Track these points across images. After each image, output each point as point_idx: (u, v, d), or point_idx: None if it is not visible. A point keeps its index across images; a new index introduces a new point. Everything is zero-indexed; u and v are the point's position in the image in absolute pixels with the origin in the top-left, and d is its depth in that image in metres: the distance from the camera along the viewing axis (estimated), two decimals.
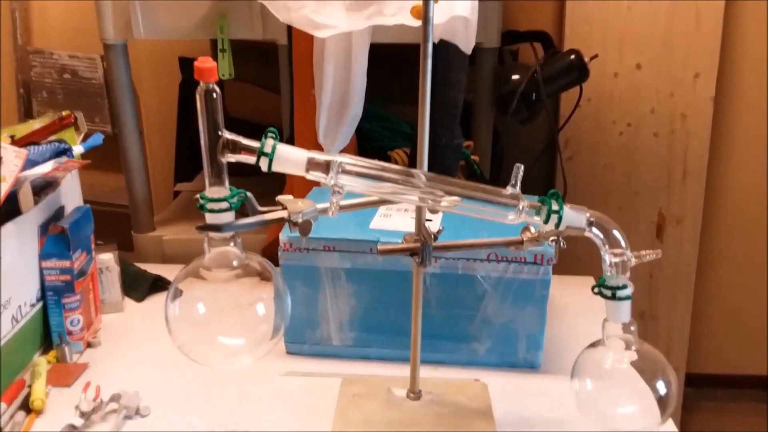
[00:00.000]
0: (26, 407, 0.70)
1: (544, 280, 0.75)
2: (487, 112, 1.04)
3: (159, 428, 0.69)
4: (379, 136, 1.07)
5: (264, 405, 0.73)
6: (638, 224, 1.42)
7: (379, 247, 0.65)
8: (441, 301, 0.77)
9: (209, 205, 0.51)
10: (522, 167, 0.54)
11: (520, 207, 0.54)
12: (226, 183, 0.52)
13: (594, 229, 0.56)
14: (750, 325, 1.54)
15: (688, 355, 1.49)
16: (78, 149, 0.83)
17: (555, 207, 0.54)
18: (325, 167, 0.51)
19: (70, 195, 0.85)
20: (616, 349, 0.60)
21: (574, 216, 0.55)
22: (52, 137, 0.81)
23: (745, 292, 1.52)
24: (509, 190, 0.54)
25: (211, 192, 0.52)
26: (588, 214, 0.55)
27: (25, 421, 0.68)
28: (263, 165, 0.50)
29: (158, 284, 0.97)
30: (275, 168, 0.51)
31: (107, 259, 0.88)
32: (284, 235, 0.78)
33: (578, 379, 0.62)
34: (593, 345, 0.62)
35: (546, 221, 0.54)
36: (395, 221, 0.82)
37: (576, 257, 0.96)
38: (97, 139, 0.86)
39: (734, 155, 1.46)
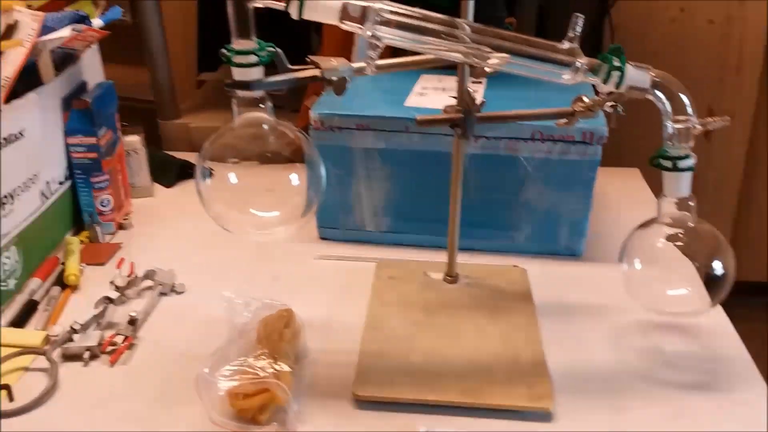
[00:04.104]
0: (61, 283, 0.70)
1: (592, 161, 0.70)
2: None
3: (194, 303, 0.68)
4: None
5: (299, 284, 0.72)
6: None
7: (418, 117, 0.61)
8: (480, 185, 0.74)
9: (236, 59, 0.47)
10: (582, 17, 0.48)
11: (578, 64, 0.48)
12: (254, 35, 0.48)
13: (657, 92, 0.50)
14: None
15: None
16: (97, 22, 0.79)
17: (616, 63, 0.48)
18: (362, 15, 0.46)
19: (92, 70, 0.82)
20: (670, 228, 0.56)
21: (637, 75, 0.49)
22: (69, 8, 0.77)
23: None
24: (566, 44, 0.48)
25: (239, 44, 0.47)
26: (653, 74, 0.50)
27: (61, 296, 0.68)
28: (293, 10, 0.45)
29: (186, 171, 0.95)
30: (306, 14, 0.46)
31: (134, 141, 0.86)
32: (315, 112, 0.74)
33: (628, 259, 0.58)
34: (645, 224, 0.58)
35: (605, 80, 0.49)
36: (432, 99, 0.77)
37: (617, 153, 0.90)
38: (116, 12, 0.81)
39: None
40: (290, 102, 1.02)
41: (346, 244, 0.79)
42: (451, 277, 0.69)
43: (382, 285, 0.70)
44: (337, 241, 0.80)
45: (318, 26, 1.07)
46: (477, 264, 0.74)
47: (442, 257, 0.70)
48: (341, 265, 0.75)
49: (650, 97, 0.50)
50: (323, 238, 0.81)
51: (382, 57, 0.50)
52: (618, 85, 0.49)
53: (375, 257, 0.76)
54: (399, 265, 0.74)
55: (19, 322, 0.65)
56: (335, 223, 0.80)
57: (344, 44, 0.94)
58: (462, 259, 0.70)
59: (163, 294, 0.69)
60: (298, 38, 1.10)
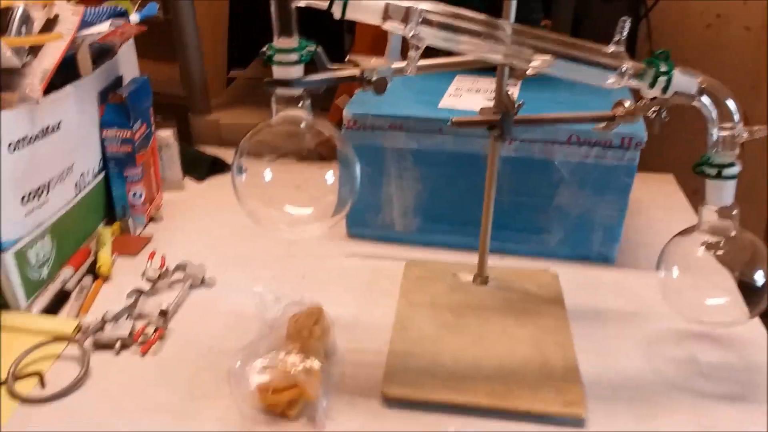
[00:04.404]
0: (93, 273, 0.71)
1: (629, 166, 0.69)
2: None
3: (224, 297, 0.68)
4: None
5: (327, 282, 0.72)
6: None
7: (454, 119, 0.60)
8: (512, 188, 0.73)
9: (277, 57, 0.47)
10: (629, 20, 0.47)
11: (623, 68, 0.47)
12: (296, 34, 0.48)
13: (704, 98, 0.49)
14: None
15: None
16: (134, 18, 0.79)
17: (663, 68, 0.47)
18: (404, 15, 0.46)
19: (128, 65, 0.82)
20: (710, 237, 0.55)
21: (684, 80, 0.48)
22: (108, 3, 0.78)
23: None
24: (612, 47, 0.47)
25: (280, 43, 0.47)
26: (699, 80, 0.49)
27: (93, 286, 0.69)
28: (336, 10, 0.45)
29: (217, 166, 0.95)
30: (349, 14, 0.46)
31: (167, 135, 0.87)
32: (349, 112, 0.74)
33: (666, 266, 0.57)
34: (685, 232, 0.57)
35: (652, 86, 0.48)
36: (466, 101, 0.76)
37: (652, 158, 0.89)
38: (152, 8, 0.82)
39: None
40: (320, 100, 1.03)
41: (375, 243, 0.79)
42: (481, 279, 0.69)
43: (411, 285, 0.69)
44: (365, 240, 0.80)
45: (351, 26, 1.07)
46: (507, 267, 0.73)
47: (470, 259, 0.70)
48: (369, 264, 0.75)
49: (696, 104, 0.49)
50: (352, 237, 0.81)
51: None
52: (664, 90, 0.48)
53: (403, 257, 0.75)
54: (428, 265, 0.73)
55: (52, 310, 0.65)
56: (364, 222, 0.79)
57: (377, 44, 0.94)
58: (492, 261, 0.69)
59: (193, 287, 0.69)
60: (331, 37, 1.10)
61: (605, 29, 0.51)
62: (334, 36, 1.12)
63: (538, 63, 0.48)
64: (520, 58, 0.48)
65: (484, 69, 0.57)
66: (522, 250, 0.76)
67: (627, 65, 0.47)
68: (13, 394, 0.55)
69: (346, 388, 0.56)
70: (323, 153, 0.54)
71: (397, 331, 0.62)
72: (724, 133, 0.50)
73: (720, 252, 0.55)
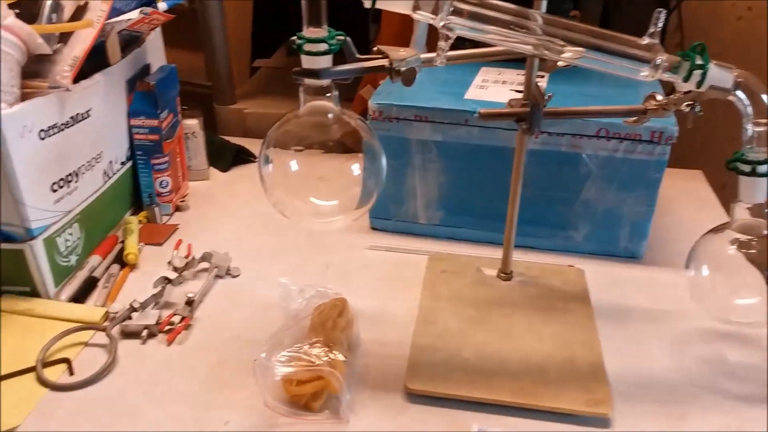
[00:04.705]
0: (120, 261, 0.72)
1: (659, 161, 0.68)
2: None
3: (249, 287, 0.69)
4: None
5: (350, 274, 0.72)
6: None
7: (481, 111, 0.59)
8: (538, 182, 0.72)
9: (307, 47, 0.47)
10: (664, 12, 0.46)
11: (657, 61, 0.46)
12: (325, 23, 0.47)
13: (739, 92, 0.48)
14: None
15: None
16: (162, 6, 0.80)
17: (699, 61, 0.46)
18: (435, 5, 0.45)
19: (156, 54, 0.83)
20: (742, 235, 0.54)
21: (720, 74, 0.47)
22: None
23: None
24: (646, 39, 0.46)
25: (309, 32, 0.47)
26: (735, 74, 0.47)
27: (120, 274, 0.70)
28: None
29: (242, 156, 0.96)
30: (380, 3, 0.45)
31: (193, 124, 0.87)
32: (373, 103, 0.73)
33: (695, 264, 0.56)
34: (716, 230, 0.56)
35: (686, 79, 0.47)
36: (492, 93, 0.75)
37: (680, 154, 0.87)
38: None
39: None
40: (344, 91, 1.02)
41: (397, 236, 0.79)
42: (506, 274, 0.68)
43: (434, 278, 0.69)
44: (388, 232, 0.80)
45: (376, 16, 1.06)
46: (532, 262, 0.72)
47: (494, 253, 0.69)
48: (392, 257, 0.75)
49: (731, 98, 0.48)
50: (374, 229, 0.81)
51: (432, 49, 0.49)
52: (699, 84, 0.47)
53: (426, 250, 0.75)
54: (451, 259, 0.73)
55: (79, 297, 0.66)
56: (387, 214, 0.79)
57: (402, 34, 0.93)
58: (516, 256, 0.69)
59: (218, 276, 0.69)
60: (355, 28, 1.09)
61: (634, 21, 0.49)
62: (358, 26, 1.12)
63: (570, 54, 0.47)
64: (551, 49, 0.47)
65: (511, 61, 0.56)
66: (547, 246, 0.76)
67: (662, 57, 0.46)
68: (42, 381, 0.55)
69: (369, 381, 0.56)
70: (349, 144, 0.54)
71: (420, 325, 0.62)
72: (759, 129, 0.48)
73: (751, 251, 0.54)
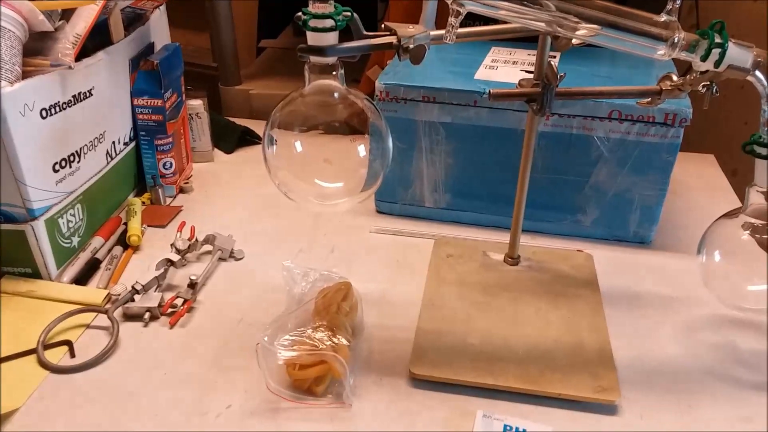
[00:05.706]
0: (123, 243, 0.71)
1: (672, 144, 0.67)
2: None
3: (253, 270, 0.68)
4: None
5: (355, 257, 0.71)
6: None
7: (492, 91, 0.58)
8: (548, 165, 0.71)
9: (312, 23, 0.45)
10: None
11: (675, 39, 0.45)
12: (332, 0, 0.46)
13: (758, 73, 0.46)
14: None
15: None
16: None
17: (718, 40, 0.44)
18: None
19: (159, 32, 0.81)
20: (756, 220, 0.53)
21: (739, 53, 0.45)
22: None
23: None
24: (663, 16, 0.45)
25: (316, 8, 0.46)
26: (755, 53, 0.46)
27: (123, 256, 0.69)
28: None
29: (246, 137, 0.95)
30: None
31: (197, 105, 0.86)
32: (380, 83, 0.72)
33: (708, 249, 0.55)
34: (729, 214, 0.55)
35: (704, 58, 0.45)
36: (502, 73, 0.74)
37: (692, 137, 0.85)
38: None
39: None
40: (351, 71, 1.01)
41: (403, 219, 0.78)
42: (513, 258, 0.67)
43: (440, 263, 0.68)
44: (393, 216, 0.79)
45: None
46: (540, 246, 0.71)
47: (501, 237, 0.68)
48: (397, 240, 0.74)
49: (750, 79, 0.46)
50: (380, 212, 0.79)
51: (442, 27, 0.47)
52: (717, 63, 0.45)
53: (432, 234, 0.74)
54: (458, 243, 0.72)
55: (82, 279, 0.66)
56: (393, 197, 0.78)
57: (411, 12, 0.91)
58: (524, 240, 0.68)
59: (222, 259, 0.69)
60: (363, 4, 1.08)
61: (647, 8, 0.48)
62: (366, 4, 1.10)
63: (584, 32, 0.45)
64: (564, 26, 0.45)
65: (523, 40, 0.54)
66: (555, 230, 0.74)
67: (679, 35, 0.45)
68: (43, 363, 0.55)
69: (373, 365, 0.56)
70: (355, 125, 0.52)
71: (425, 310, 0.61)
72: None
73: (765, 236, 0.52)
